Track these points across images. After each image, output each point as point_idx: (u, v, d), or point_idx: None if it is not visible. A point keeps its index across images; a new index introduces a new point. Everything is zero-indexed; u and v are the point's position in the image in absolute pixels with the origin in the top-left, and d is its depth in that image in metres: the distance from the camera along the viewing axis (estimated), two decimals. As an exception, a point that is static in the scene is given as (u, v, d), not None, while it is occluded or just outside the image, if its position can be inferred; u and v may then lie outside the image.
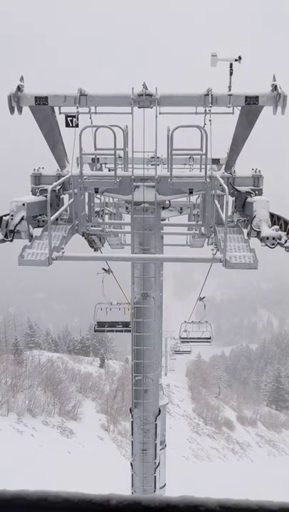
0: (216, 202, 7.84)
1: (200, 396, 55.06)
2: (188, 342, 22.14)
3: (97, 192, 8.06)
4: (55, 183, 7.61)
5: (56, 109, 7.43)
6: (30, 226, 7.17)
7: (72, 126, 7.38)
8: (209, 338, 19.82)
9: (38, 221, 7.93)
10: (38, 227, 7.88)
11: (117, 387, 43.00)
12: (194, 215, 10.49)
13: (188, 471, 34.10)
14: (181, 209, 10.52)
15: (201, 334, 20.89)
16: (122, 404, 39.37)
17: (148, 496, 0.93)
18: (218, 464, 40.45)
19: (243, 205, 8.23)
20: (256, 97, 7.04)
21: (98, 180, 7.98)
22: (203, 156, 7.64)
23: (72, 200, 7.98)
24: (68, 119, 7.35)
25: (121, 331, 13.00)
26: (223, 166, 8.91)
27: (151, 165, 9.14)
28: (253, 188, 8.39)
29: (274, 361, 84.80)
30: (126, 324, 12.41)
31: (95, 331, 14.15)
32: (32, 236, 7.23)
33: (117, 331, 13.20)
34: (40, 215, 7.88)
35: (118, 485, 16.05)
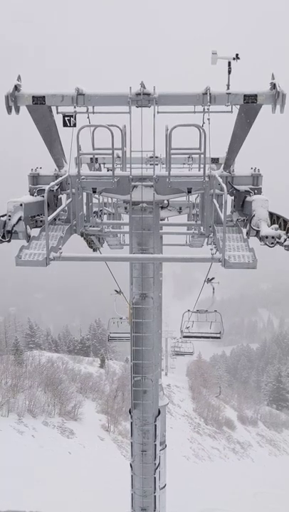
0: (215, 201, 7.78)
1: (200, 396, 55.05)
2: (191, 338, 17.20)
3: (94, 192, 8.00)
4: (52, 183, 7.55)
5: (54, 108, 7.37)
6: (28, 226, 7.12)
7: (70, 126, 7.33)
8: (219, 333, 15.44)
9: (36, 221, 7.89)
10: (36, 227, 7.83)
11: (118, 388, 43.00)
12: (193, 215, 10.43)
13: (189, 471, 34.14)
14: (180, 208, 10.46)
15: (209, 327, 16.06)
16: (123, 404, 39.35)
17: None
18: (219, 464, 40.45)
19: (242, 204, 8.19)
20: (255, 96, 6.98)
21: (96, 180, 7.92)
22: (202, 156, 7.58)
23: (70, 200, 7.93)
24: (66, 118, 7.29)
25: None
26: (222, 165, 8.86)
27: (150, 164, 9.08)
28: (252, 187, 8.35)
29: (274, 361, 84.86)
30: None
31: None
32: (30, 236, 7.18)
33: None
34: (38, 215, 7.83)
35: (118, 486, 16.05)
